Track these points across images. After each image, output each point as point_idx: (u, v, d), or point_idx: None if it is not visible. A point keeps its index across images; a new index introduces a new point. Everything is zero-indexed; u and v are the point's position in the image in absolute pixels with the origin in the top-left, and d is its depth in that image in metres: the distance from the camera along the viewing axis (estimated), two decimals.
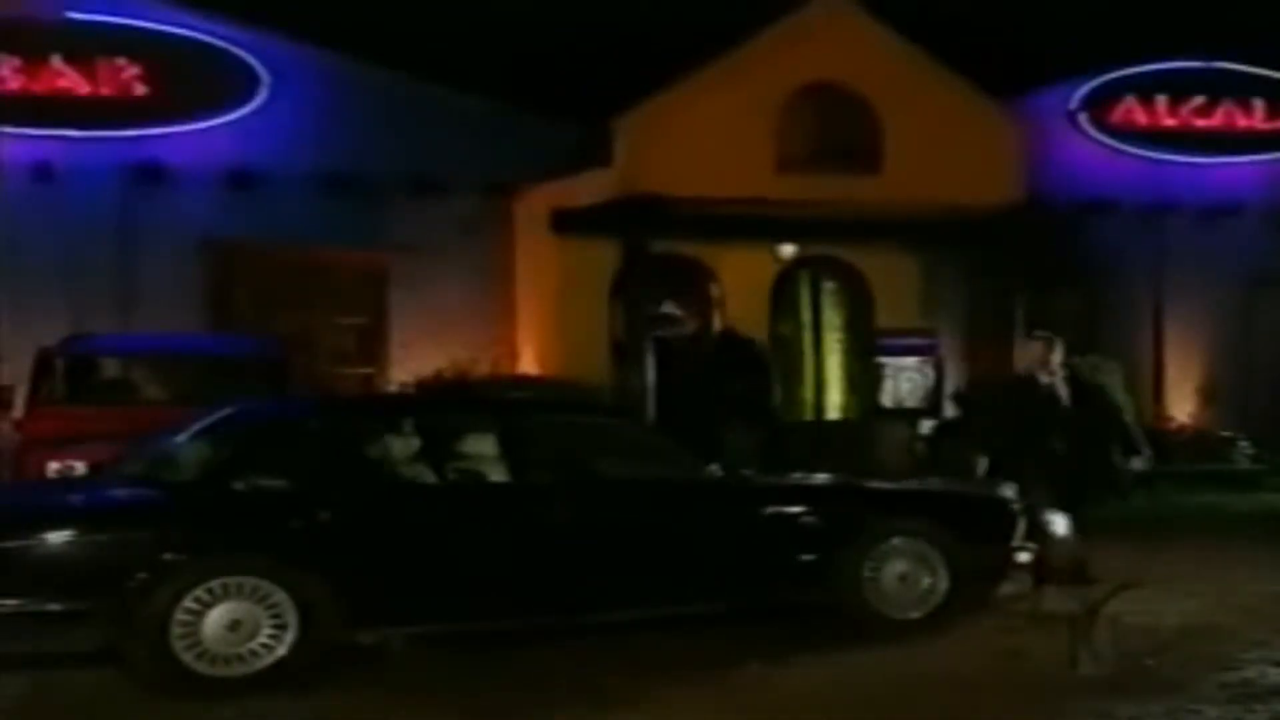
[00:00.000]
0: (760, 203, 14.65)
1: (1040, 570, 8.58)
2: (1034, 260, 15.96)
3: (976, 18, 18.23)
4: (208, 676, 6.75)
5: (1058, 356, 9.76)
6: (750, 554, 7.97)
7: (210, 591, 6.79)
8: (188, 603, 6.75)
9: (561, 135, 16.22)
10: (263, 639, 6.84)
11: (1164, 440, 18.10)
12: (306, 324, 15.97)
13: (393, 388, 15.70)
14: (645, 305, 15.39)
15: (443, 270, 16.38)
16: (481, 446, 7.90)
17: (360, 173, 16.01)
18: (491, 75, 16.96)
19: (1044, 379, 9.69)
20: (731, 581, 7.97)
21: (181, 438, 7.87)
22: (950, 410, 17.17)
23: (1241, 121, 19.48)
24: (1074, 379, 9.72)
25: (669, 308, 16.25)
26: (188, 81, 15.84)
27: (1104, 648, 7.32)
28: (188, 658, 6.74)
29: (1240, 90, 19.47)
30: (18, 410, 12.69)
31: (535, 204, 16.26)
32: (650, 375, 15.19)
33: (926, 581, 8.13)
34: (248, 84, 16.09)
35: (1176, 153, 19.12)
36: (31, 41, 15.57)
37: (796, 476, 9.25)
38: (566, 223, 15.50)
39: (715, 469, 8.29)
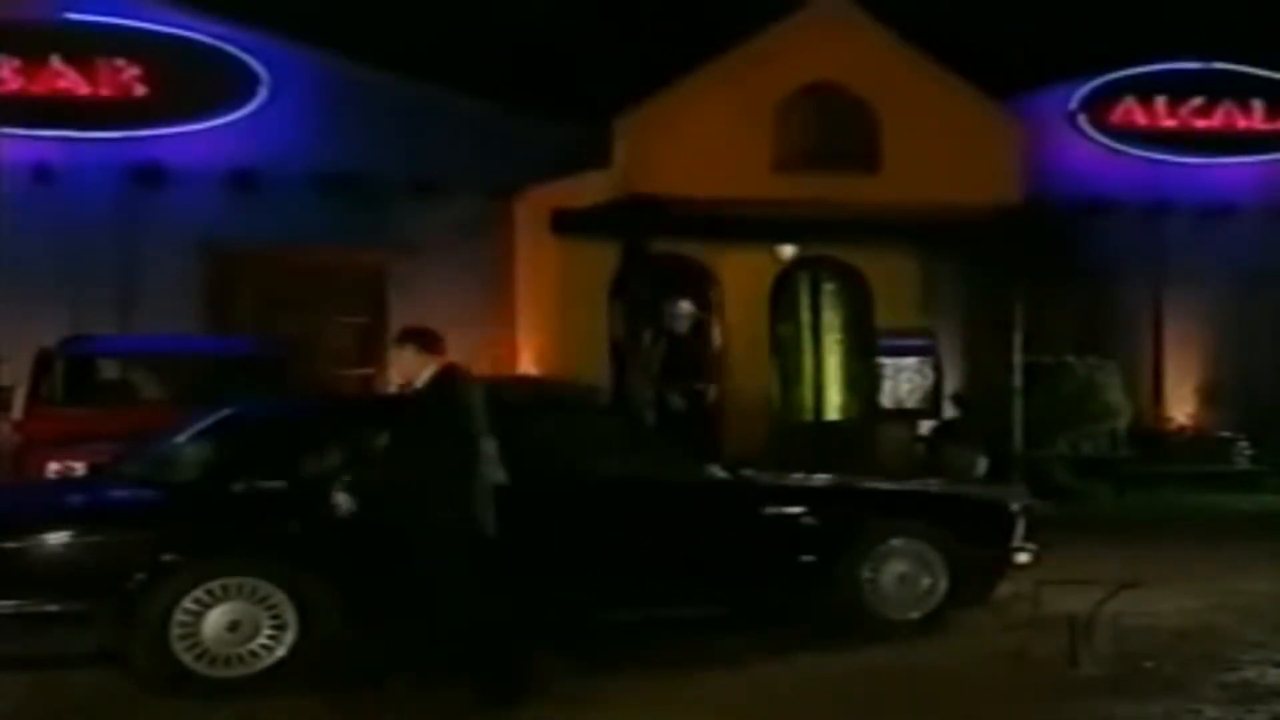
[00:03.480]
0: (760, 203, 14.65)
1: None
2: (1034, 260, 15.96)
3: (976, 18, 18.25)
4: (207, 677, 6.75)
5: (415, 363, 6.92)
6: (750, 555, 7.97)
7: (210, 592, 6.79)
8: (187, 603, 6.75)
9: (562, 136, 16.21)
10: (262, 639, 6.84)
11: (1164, 440, 18.19)
12: (306, 325, 15.95)
13: (392, 388, 15.69)
14: (649, 305, 15.38)
15: (443, 271, 16.38)
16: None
17: (360, 173, 16.01)
18: (492, 76, 16.98)
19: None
20: (731, 582, 7.97)
21: (181, 438, 7.87)
22: (950, 411, 17.19)
23: (1241, 122, 19.48)
24: (434, 389, 6.80)
25: (688, 306, 16.25)
26: (187, 82, 15.84)
27: (1104, 648, 7.33)
28: (187, 658, 6.74)
29: (1239, 91, 19.47)
30: (18, 410, 12.70)
31: (535, 205, 16.26)
32: (653, 375, 15.23)
33: (926, 582, 8.13)
34: (247, 85, 16.09)
35: (1176, 153, 19.13)
36: (31, 42, 15.58)
37: (796, 477, 9.24)
38: (566, 223, 15.50)
39: (715, 469, 8.29)
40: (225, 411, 8.01)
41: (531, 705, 6.62)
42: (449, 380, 6.83)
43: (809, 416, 17.08)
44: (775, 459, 12.79)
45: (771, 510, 8.12)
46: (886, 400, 16.79)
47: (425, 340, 6.94)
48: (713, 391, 16.53)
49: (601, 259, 15.50)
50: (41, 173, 15.38)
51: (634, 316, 15.24)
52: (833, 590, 8.01)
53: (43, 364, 11.95)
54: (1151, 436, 18.06)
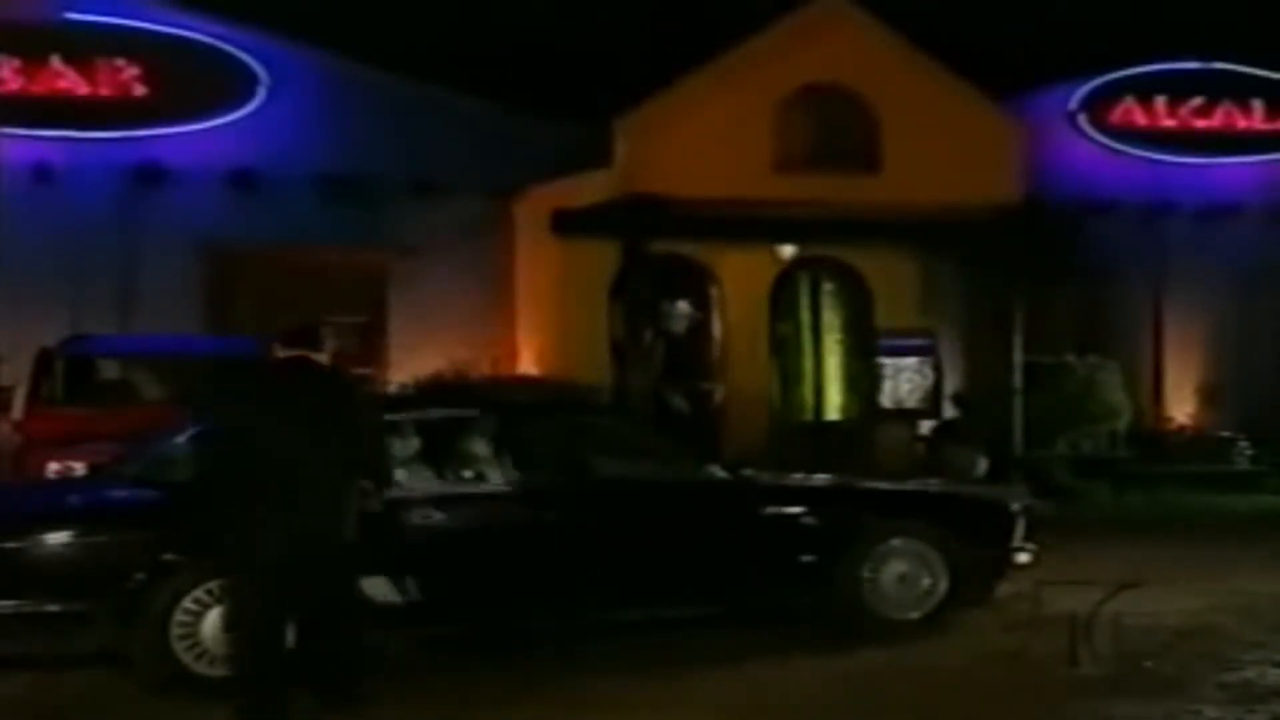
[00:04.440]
0: (760, 203, 14.65)
1: None
2: (1034, 260, 15.96)
3: (976, 18, 18.24)
4: (207, 677, 6.74)
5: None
6: (749, 555, 7.97)
7: (210, 592, 6.78)
8: (187, 603, 6.75)
9: (561, 136, 16.21)
10: None
11: (1164, 440, 18.19)
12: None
13: (392, 388, 15.69)
14: (648, 305, 15.38)
15: (443, 271, 16.38)
16: (481, 447, 7.90)
17: (360, 174, 16.01)
18: (492, 76, 16.97)
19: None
20: (731, 582, 7.97)
21: (181, 438, 7.86)
22: (950, 411, 17.18)
23: (1241, 122, 19.46)
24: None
25: (686, 307, 16.24)
26: (187, 82, 15.84)
27: (1104, 648, 7.33)
28: (187, 658, 6.74)
29: (1239, 91, 19.46)
30: (18, 410, 12.70)
31: (535, 205, 16.26)
32: (652, 375, 15.23)
33: (926, 582, 8.13)
34: (247, 85, 16.09)
35: (1176, 153, 19.11)
36: (31, 42, 15.58)
37: (796, 477, 9.25)
38: (566, 223, 15.49)
39: (715, 469, 8.29)
40: None
41: (532, 704, 6.63)
42: None
43: (809, 416, 17.08)
44: (775, 459, 12.78)
45: (771, 510, 8.12)
46: (886, 400, 16.79)
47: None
48: (719, 392, 16.54)
49: (601, 259, 15.50)
50: (41, 173, 15.39)
51: (634, 316, 15.24)
52: (833, 590, 8.01)
53: (43, 364, 11.95)
54: (1151, 436, 18.06)
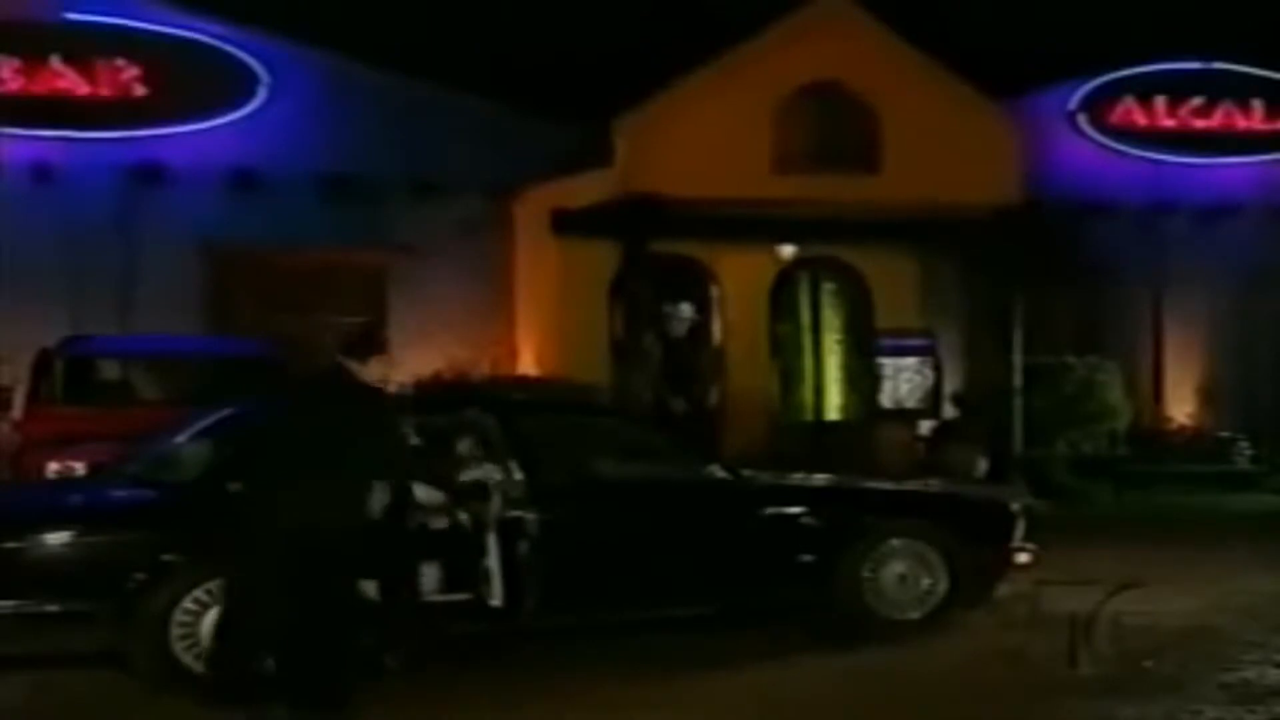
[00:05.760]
0: (760, 203, 14.65)
1: None
2: (1033, 260, 15.96)
3: (976, 18, 18.24)
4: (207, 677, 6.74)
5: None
6: (750, 554, 7.97)
7: (210, 592, 6.78)
8: (187, 603, 6.75)
9: (561, 135, 16.22)
10: None
11: (1164, 440, 18.19)
12: (306, 325, 15.93)
13: (391, 388, 15.66)
14: (648, 305, 15.38)
15: (443, 271, 16.39)
16: (481, 448, 7.88)
17: (360, 174, 16.02)
18: (491, 76, 16.97)
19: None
20: (731, 582, 7.97)
21: (181, 438, 7.86)
22: (950, 411, 17.18)
23: (1240, 122, 19.47)
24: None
25: (688, 310, 16.24)
26: (187, 82, 15.86)
27: (1104, 648, 7.33)
28: (187, 658, 6.74)
29: (1239, 91, 19.47)
30: (18, 410, 12.70)
31: (535, 204, 16.26)
32: (652, 375, 15.23)
33: (926, 582, 8.13)
34: (247, 85, 16.10)
35: (1175, 153, 19.12)
36: (31, 42, 15.59)
37: (796, 477, 9.24)
38: (566, 223, 15.50)
39: (715, 469, 8.29)
40: (224, 412, 8.00)
41: (532, 704, 6.63)
42: None
43: (809, 416, 17.08)
44: (775, 459, 12.78)
45: (771, 510, 8.12)
46: (886, 400, 16.80)
47: None
48: (714, 394, 16.53)
49: (601, 259, 15.51)
50: (41, 172, 15.41)
51: (634, 317, 15.24)
52: (833, 590, 8.00)
53: (43, 364, 11.96)
54: (1151, 436, 18.06)
